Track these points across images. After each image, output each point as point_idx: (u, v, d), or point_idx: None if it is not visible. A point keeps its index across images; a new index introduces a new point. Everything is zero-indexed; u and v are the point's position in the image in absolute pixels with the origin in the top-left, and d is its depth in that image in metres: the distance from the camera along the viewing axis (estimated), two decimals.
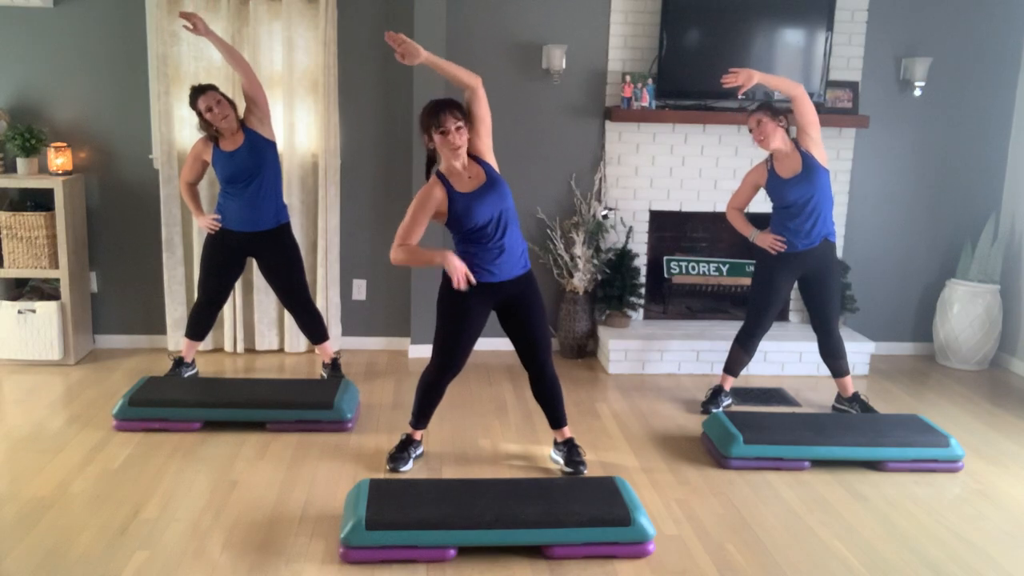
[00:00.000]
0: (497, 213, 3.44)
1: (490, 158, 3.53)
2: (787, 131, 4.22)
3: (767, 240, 4.34)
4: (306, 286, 4.59)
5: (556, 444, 3.81)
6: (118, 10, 4.89)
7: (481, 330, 3.62)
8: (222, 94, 4.25)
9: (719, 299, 5.59)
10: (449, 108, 3.38)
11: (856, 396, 4.49)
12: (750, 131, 4.22)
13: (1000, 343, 5.46)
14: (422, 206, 3.41)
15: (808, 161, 4.19)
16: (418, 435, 3.80)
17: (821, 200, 4.23)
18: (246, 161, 4.27)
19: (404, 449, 3.75)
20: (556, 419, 3.77)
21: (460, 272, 3.36)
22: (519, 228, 3.57)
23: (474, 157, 3.49)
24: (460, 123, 3.38)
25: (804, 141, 4.20)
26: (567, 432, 3.78)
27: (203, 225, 4.43)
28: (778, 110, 4.20)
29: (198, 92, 4.23)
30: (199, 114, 4.23)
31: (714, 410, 4.43)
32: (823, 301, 4.37)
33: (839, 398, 4.56)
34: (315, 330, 4.64)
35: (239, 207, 4.34)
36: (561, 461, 3.75)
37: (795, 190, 4.22)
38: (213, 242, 4.44)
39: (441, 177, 3.45)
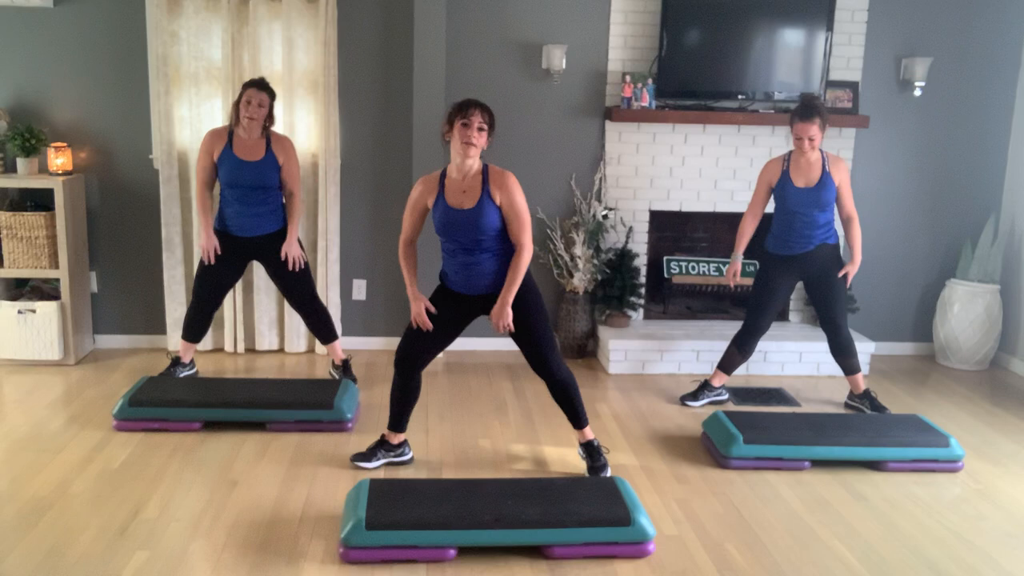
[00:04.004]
0: (463, 238, 3.41)
1: (514, 222, 3.42)
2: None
3: (730, 270, 4.51)
4: (313, 287, 4.57)
5: (580, 444, 3.78)
6: (118, 10, 4.88)
7: (447, 334, 3.60)
8: (271, 104, 4.26)
9: (719, 299, 5.59)
10: (481, 108, 3.36)
11: (867, 393, 4.52)
12: (797, 138, 4.17)
13: (1000, 343, 5.46)
14: (410, 204, 3.55)
15: (826, 180, 4.22)
16: (394, 439, 3.75)
17: (823, 213, 4.27)
18: (253, 175, 4.27)
19: (374, 450, 3.73)
20: (573, 420, 3.71)
21: (414, 316, 3.53)
22: (508, 255, 3.47)
23: (494, 187, 3.38)
24: (485, 126, 3.36)
25: (837, 167, 4.23)
26: (588, 433, 3.72)
27: (202, 246, 4.36)
28: (827, 119, 4.17)
29: (253, 84, 4.24)
30: (237, 100, 4.24)
31: (690, 403, 4.51)
32: (827, 300, 4.39)
33: (851, 395, 4.59)
34: (324, 330, 4.63)
35: (239, 213, 4.33)
36: (584, 465, 3.74)
37: (802, 200, 4.24)
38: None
39: (442, 177, 3.46)
